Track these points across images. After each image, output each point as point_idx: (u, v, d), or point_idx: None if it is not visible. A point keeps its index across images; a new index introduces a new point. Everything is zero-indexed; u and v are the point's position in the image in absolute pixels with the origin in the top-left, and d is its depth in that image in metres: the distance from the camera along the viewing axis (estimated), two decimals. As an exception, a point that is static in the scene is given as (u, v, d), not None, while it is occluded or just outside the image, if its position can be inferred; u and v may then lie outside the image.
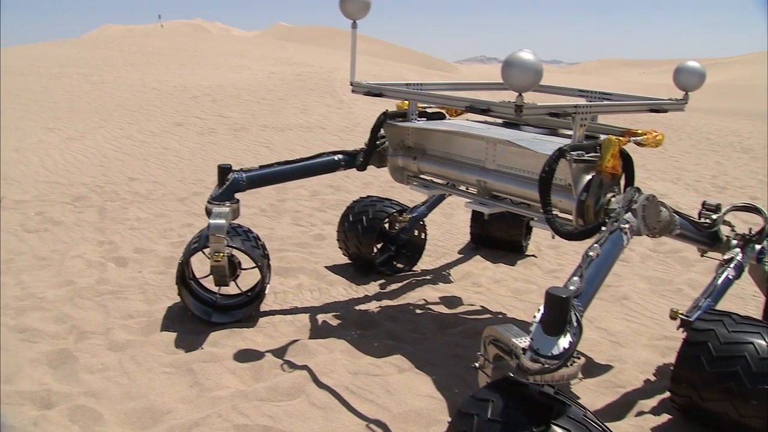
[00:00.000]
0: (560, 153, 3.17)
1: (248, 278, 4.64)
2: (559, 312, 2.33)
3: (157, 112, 13.76)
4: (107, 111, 13.86)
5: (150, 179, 8.54)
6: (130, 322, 4.42)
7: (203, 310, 4.47)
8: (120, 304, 4.69)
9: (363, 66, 21.06)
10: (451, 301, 4.96)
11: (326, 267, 5.51)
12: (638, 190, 3.24)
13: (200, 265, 4.73)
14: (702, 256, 4.26)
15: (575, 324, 2.37)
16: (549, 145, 3.47)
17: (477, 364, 2.68)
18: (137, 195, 7.76)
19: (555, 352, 2.29)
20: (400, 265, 5.52)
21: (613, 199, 3.30)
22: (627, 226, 2.99)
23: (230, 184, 4.27)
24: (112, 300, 4.75)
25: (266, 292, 4.49)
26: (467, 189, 4.36)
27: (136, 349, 4.00)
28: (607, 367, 4.01)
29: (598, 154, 3.28)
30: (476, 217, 5.94)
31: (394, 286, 5.19)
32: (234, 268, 4.40)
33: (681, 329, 3.42)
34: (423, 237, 5.61)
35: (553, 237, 3.44)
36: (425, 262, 5.69)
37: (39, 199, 7.56)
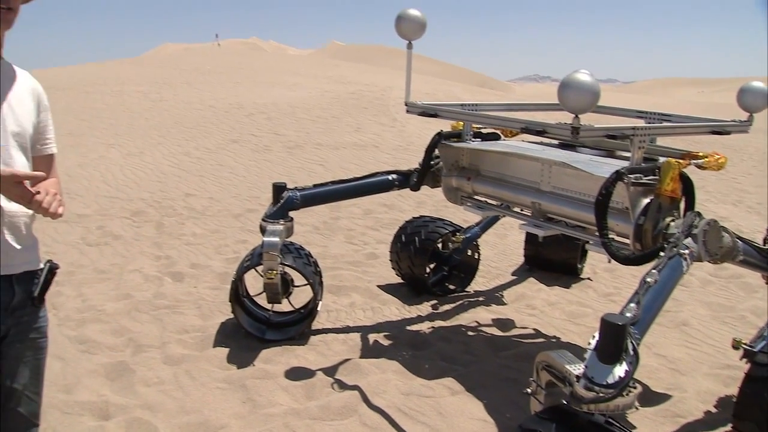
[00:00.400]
0: (617, 176, 3.12)
1: (301, 296, 4.68)
2: (615, 340, 2.28)
3: (213, 129, 14.03)
4: (165, 128, 14.19)
5: (206, 195, 8.70)
6: (185, 336, 4.50)
7: (257, 327, 4.51)
8: (176, 318, 4.78)
9: (416, 85, 20.99)
10: (504, 324, 4.90)
11: (379, 286, 5.51)
12: (699, 214, 3.15)
13: (254, 282, 4.78)
14: (767, 283, 4.12)
15: (632, 352, 2.32)
16: (606, 167, 3.42)
17: (529, 390, 2.63)
18: (193, 211, 7.91)
19: (610, 380, 2.24)
20: (452, 286, 5.48)
21: (672, 224, 3.22)
22: (687, 251, 2.90)
23: (284, 203, 4.32)
24: (168, 314, 4.84)
25: (318, 309, 4.51)
26: (522, 210, 4.33)
27: (190, 364, 4.07)
28: (666, 396, 3.90)
29: (657, 177, 3.21)
30: (530, 238, 5.85)
31: (446, 307, 5.16)
32: (287, 285, 4.44)
33: (744, 360, 3.30)
34: (476, 258, 5.56)
35: (609, 261, 3.38)
36: (478, 283, 5.64)
37: (99, 213, 7.77)
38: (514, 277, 5.92)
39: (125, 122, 14.90)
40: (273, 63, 31.59)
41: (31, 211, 2.17)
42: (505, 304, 5.31)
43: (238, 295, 4.52)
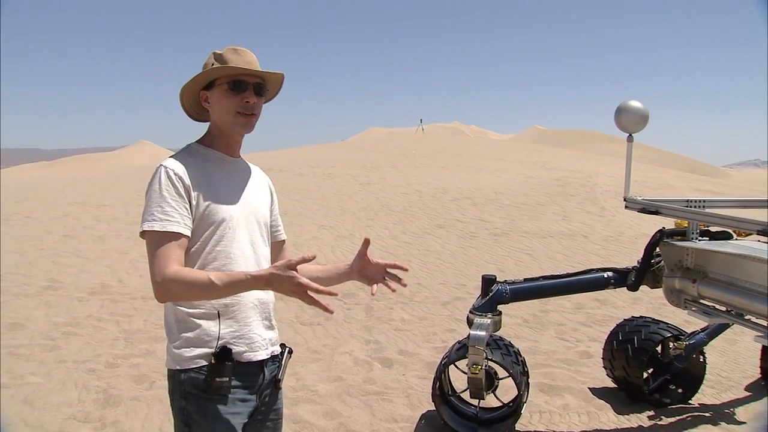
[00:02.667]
0: None
1: (511, 391, 4.53)
2: None
3: (419, 213, 14.38)
4: (374, 211, 14.77)
5: (413, 281, 8.84)
6: (394, 425, 4.52)
7: (467, 426, 4.42)
8: (385, 406, 4.82)
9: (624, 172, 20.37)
10: (738, 446, 4.40)
11: (594, 388, 5.21)
12: None
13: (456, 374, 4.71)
14: None
15: None
16: None
17: None
18: (401, 296, 8.05)
19: None
20: (673, 396, 5.02)
21: None
22: None
23: (493, 296, 4.28)
24: (377, 401, 4.90)
25: (522, 411, 4.32)
26: (756, 319, 3.90)
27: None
28: None
29: None
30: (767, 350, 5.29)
31: (669, 420, 4.74)
32: (491, 380, 4.32)
33: None
34: (702, 367, 5.07)
35: None
36: (707, 395, 5.13)
37: (313, 293, 8.12)
38: (749, 393, 5.30)
39: (336, 204, 15.72)
40: (475, 147, 32.09)
41: (274, 299, 2.34)
42: (738, 422, 4.76)
43: (443, 393, 4.47)
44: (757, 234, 3.87)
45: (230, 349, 2.13)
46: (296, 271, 1.92)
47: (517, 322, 6.92)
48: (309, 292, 1.90)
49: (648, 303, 7.64)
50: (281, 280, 1.92)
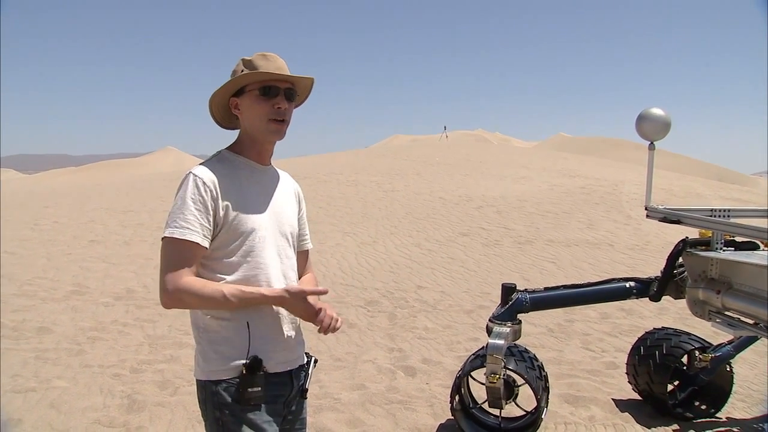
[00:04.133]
0: None
1: (532, 399, 4.48)
2: None
3: (443, 221, 14.34)
4: (397, 218, 14.76)
5: (437, 288, 8.81)
6: (416, 435, 4.48)
7: None
8: (408, 415, 4.80)
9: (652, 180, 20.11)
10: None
11: (621, 400, 5.13)
12: None
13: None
14: None
15: None
16: None
17: None
18: (425, 303, 8.02)
19: None
20: (697, 411, 4.91)
21: None
22: None
23: (513, 304, 4.24)
24: (400, 409, 4.88)
25: (543, 418, 4.26)
26: None
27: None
28: None
29: None
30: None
31: (694, 434, 4.65)
32: (510, 389, 4.27)
33: None
34: (729, 380, 4.96)
35: None
36: (737, 408, 5.03)
37: (336, 300, 8.15)
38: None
39: (359, 211, 15.73)
40: (500, 155, 31.96)
41: None
42: (766, 437, 4.68)
43: (464, 405, 4.44)
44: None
45: (261, 360, 2.14)
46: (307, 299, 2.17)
47: (542, 331, 6.85)
48: (318, 318, 2.21)
49: (675, 314, 7.52)
50: (293, 304, 2.16)
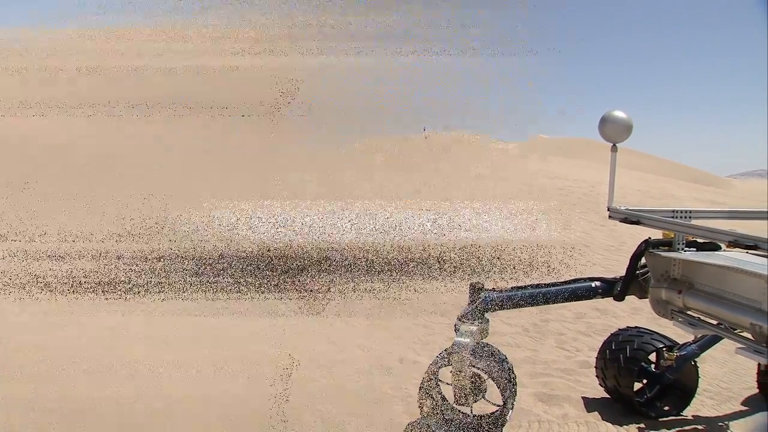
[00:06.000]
0: None
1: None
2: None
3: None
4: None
5: (413, 289, 8.80)
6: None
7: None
8: (383, 413, 4.82)
9: (629, 181, 20.24)
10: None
11: (593, 398, 5.20)
12: None
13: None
14: None
15: None
16: None
17: None
18: (401, 304, 8.01)
19: None
20: (661, 411, 4.99)
21: None
22: None
23: (480, 303, 4.27)
24: (376, 408, 4.89)
25: (508, 418, 4.29)
26: (741, 332, 3.89)
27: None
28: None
29: None
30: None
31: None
32: (477, 387, 4.28)
33: None
34: (695, 378, 5.03)
35: None
36: (706, 406, 5.12)
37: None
38: (745, 408, 5.23)
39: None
40: (479, 156, 31.95)
41: None
42: (732, 436, 4.74)
43: (434, 403, 4.46)
44: (730, 246, 3.85)
45: None
46: None
47: (517, 331, 6.93)
48: None
49: (649, 313, 7.51)
50: None
